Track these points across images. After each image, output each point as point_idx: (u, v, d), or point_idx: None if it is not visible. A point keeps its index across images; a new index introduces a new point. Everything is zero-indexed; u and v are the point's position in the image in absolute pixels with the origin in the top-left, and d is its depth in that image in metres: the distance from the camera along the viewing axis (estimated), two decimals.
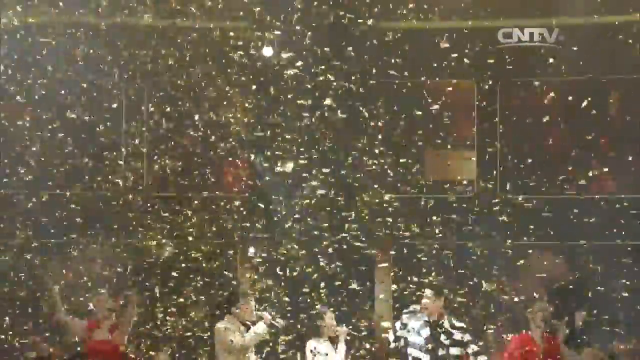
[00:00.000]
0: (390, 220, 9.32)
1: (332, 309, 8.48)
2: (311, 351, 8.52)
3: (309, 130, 9.37)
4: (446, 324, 7.17)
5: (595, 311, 8.62)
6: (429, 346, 7.04)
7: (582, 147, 9.31)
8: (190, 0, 9.44)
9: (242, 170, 9.84)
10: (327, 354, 8.55)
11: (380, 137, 9.49)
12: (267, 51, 9.55)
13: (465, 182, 9.81)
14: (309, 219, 9.36)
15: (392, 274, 9.39)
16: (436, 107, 9.15)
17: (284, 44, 9.39)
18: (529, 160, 9.40)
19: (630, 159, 9.23)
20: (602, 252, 9.17)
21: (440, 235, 9.34)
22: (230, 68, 9.46)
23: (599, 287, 8.92)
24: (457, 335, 7.13)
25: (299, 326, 9.09)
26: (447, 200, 9.48)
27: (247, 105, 9.54)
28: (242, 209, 9.55)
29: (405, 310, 7.54)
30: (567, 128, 9.47)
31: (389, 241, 9.49)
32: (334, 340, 8.59)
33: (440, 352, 7.04)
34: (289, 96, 9.34)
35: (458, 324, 7.18)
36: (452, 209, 9.38)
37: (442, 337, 7.03)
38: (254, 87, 9.48)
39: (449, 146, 9.70)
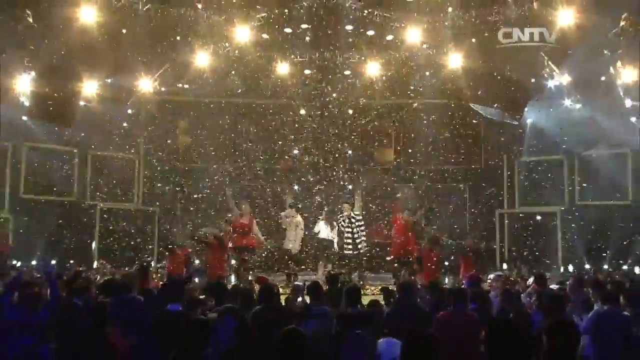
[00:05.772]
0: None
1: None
2: (316, 228, 14.53)
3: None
4: (352, 214, 14.74)
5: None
6: (346, 220, 14.64)
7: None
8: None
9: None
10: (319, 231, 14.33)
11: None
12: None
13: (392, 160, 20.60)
14: None
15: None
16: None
17: None
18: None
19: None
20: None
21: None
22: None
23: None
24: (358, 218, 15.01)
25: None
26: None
27: None
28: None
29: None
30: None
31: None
32: (331, 225, 14.50)
33: (355, 230, 14.65)
34: None
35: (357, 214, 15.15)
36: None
37: (352, 216, 14.86)
38: None
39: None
